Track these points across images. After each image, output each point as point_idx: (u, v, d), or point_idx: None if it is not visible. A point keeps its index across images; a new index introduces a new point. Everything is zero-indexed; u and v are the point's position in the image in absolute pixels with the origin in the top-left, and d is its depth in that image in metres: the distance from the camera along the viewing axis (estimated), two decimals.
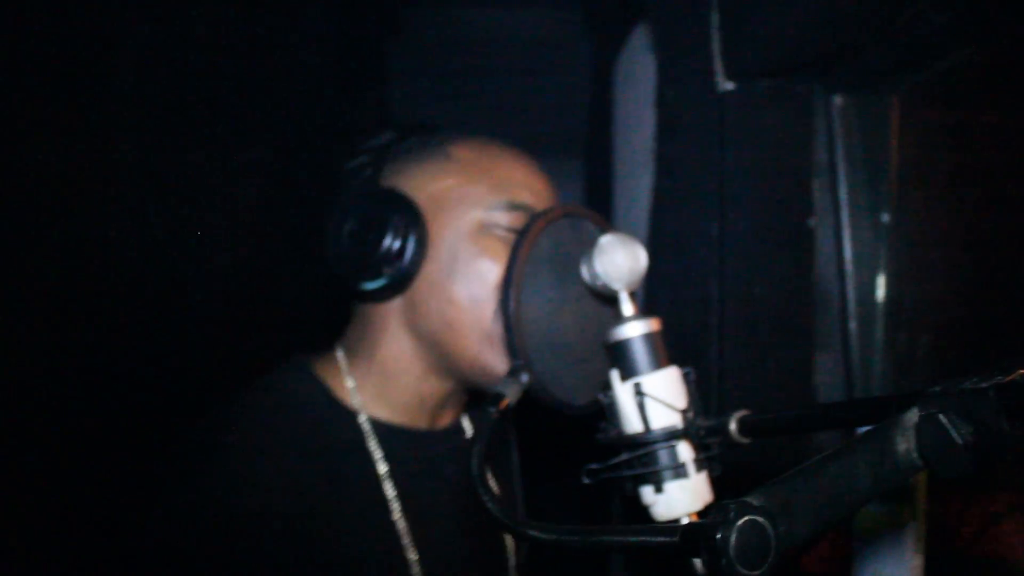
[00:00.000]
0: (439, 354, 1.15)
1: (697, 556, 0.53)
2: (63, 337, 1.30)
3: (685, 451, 0.93)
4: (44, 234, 1.27)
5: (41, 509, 1.25)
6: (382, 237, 1.10)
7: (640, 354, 0.95)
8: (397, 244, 1.10)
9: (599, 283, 0.99)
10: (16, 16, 1.19)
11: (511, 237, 1.12)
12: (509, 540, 1.33)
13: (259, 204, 1.89)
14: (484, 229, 1.13)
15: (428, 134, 1.22)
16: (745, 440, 0.87)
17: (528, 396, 1.06)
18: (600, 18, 2.73)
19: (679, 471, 0.93)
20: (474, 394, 1.24)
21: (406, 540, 1.13)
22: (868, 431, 0.60)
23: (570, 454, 1.18)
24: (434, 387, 1.19)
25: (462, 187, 1.15)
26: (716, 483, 0.96)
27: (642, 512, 0.95)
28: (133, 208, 1.47)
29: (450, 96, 3.09)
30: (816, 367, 1.65)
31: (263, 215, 1.91)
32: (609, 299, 1.04)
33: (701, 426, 0.91)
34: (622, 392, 0.96)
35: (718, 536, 0.51)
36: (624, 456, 0.95)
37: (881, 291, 1.65)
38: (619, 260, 0.98)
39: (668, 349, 0.97)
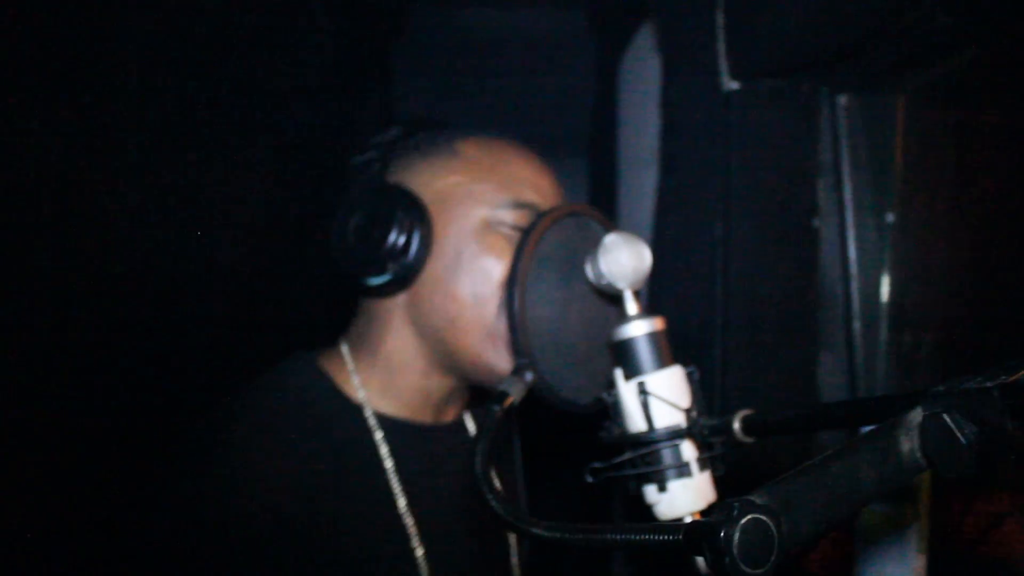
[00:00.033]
0: (441, 351, 1.16)
1: (700, 555, 0.53)
2: (66, 335, 1.31)
3: (689, 450, 0.94)
4: (53, 229, 1.28)
5: (44, 505, 1.26)
6: (387, 233, 1.10)
7: (644, 353, 0.95)
8: (402, 240, 1.11)
9: (603, 282, 0.99)
10: (19, 15, 1.19)
11: (516, 235, 1.12)
12: (512, 537, 1.33)
13: (264, 201, 1.89)
14: (489, 227, 1.14)
15: (436, 130, 1.22)
16: (748, 439, 0.87)
17: (532, 395, 1.07)
18: (605, 17, 2.73)
19: (683, 470, 0.93)
20: (477, 390, 1.24)
21: (412, 533, 1.13)
22: (872, 430, 0.60)
23: (574, 453, 1.18)
24: (437, 383, 1.19)
25: (468, 184, 1.15)
26: (719, 482, 0.96)
27: (645, 511, 0.95)
28: (140, 205, 1.47)
29: (454, 95, 3.09)
30: (820, 366, 1.65)
31: (268, 212, 1.91)
32: (613, 298, 1.04)
33: (705, 425, 0.91)
34: (626, 391, 0.96)
35: (721, 534, 0.51)
36: (628, 455, 0.95)
37: (885, 291, 1.65)
38: (623, 259, 0.98)
39: (672, 348, 0.98)
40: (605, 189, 2.58)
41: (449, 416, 1.26)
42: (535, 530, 0.69)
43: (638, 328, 0.96)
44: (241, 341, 1.70)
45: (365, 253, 1.12)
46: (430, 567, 1.13)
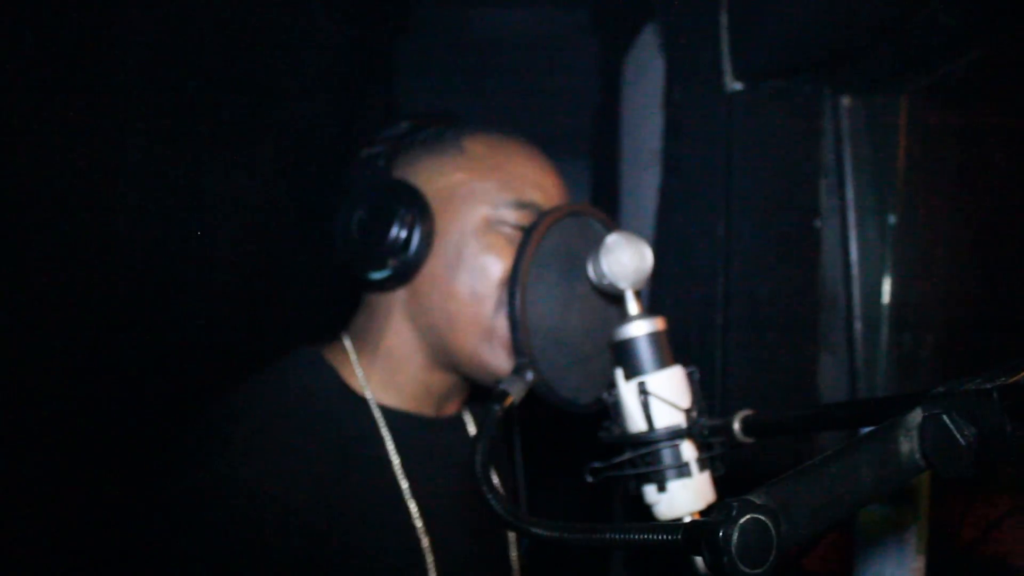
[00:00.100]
0: (439, 347, 1.16)
1: (699, 554, 0.53)
2: (69, 331, 1.31)
3: (688, 450, 0.94)
4: (54, 225, 1.28)
5: (46, 504, 1.26)
6: (388, 228, 1.11)
7: (645, 353, 0.96)
8: (403, 235, 1.11)
9: (605, 282, 1.00)
10: (22, 15, 1.19)
11: (517, 235, 1.12)
12: (511, 535, 1.34)
13: (268, 196, 1.90)
14: (491, 226, 1.14)
15: (444, 126, 1.22)
16: (748, 440, 0.87)
17: (533, 394, 1.07)
18: (608, 18, 2.73)
19: (682, 470, 0.93)
20: (477, 385, 1.25)
21: (418, 524, 1.14)
22: (871, 431, 0.60)
23: (574, 452, 1.18)
24: (437, 378, 1.20)
25: (472, 182, 1.15)
26: (719, 483, 0.96)
27: (645, 511, 0.95)
28: (144, 202, 1.47)
29: (457, 94, 3.09)
30: (821, 367, 1.65)
31: (272, 207, 1.91)
32: (615, 298, 1.04)
33: (705, 425, 0.92)
34: (626, 391, 0.96)
35: (720, 534, 0.51)
36: (627, 455, 0.95)
37: (887, 292, 1.65)
38: (625, 259, 0.98)
39: (673, 348, 0.98)
40: (607, 189, 2.58)
41: (450, 410, 1.26)
42: (534, 529, 0.69)
43: (639, 328, 0.96)
44: (245, 335, 1.71)
45: (367, 247, 1.13)
46: (435, 557, 1.14)
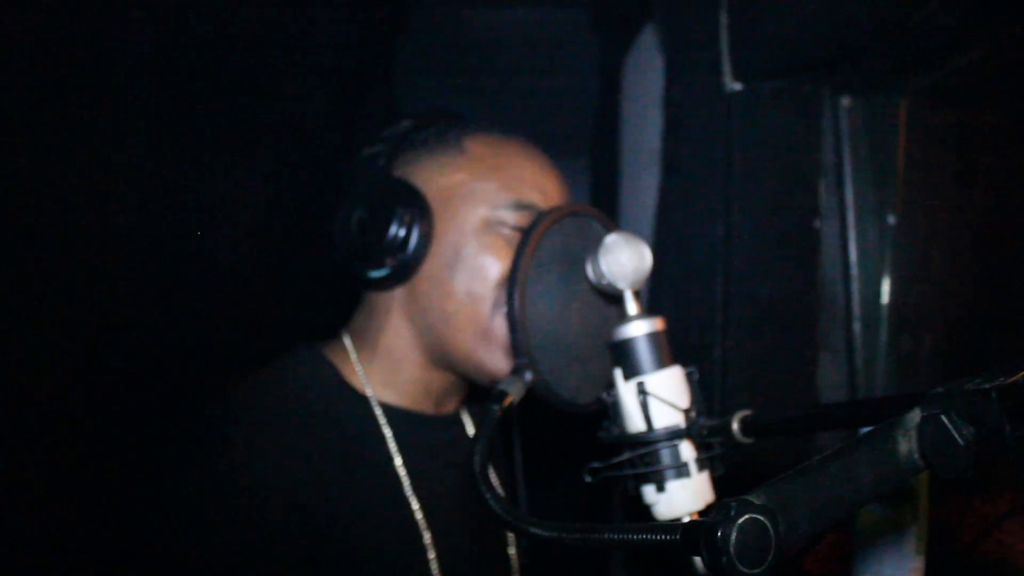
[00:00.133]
0: (436, 347, 1.16)
1: (697, 554, 0.53)
2: (70, 330, 1.31)
3: (687, 451, 0.94)
4: (57, 223, 1.28)
5: (47, 504, 1.26)
6: (387, 226, 1.11)
7: (644, 353, 0.96)
8: (401, 234, 1.11)
9: (604, 282, 0.99)
10: (22, 14, 1.19)
11: (516, 236, 1.12)
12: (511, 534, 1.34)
13: (268, 196, 1.90)
14: (489, 227, 1.14)
15: (446, 125, 1.22)
16: (747, 440, 0.87)
17: (532, 394, 1.07)
18: (608, 17, 2.73)
19: (681, 470, 0.93)
20: (476, 384, 1.25)
21: (420, 520, 1.14)
22: (870, 431, 0.60)
23: (573, 452, 1.18)
24: (435, 376, 1.20)
25: (471, 183, 1.15)
26: (718, 483, 0.96)
27: (644, 511, 0.95)
28: (145, 201, 1.48)
29: (457, 94, 3.09)
30: (820, 368, 1.65)
31: (272, 206, 1.91)
32: (614, 298, 1.04)
33: (704, 426, 0.92)
34: (625, 391, 0.96)
35: (718, 534, 0.51)
36: (626, 455, 0.95)
37: (886, 292, 1.65)
38: (624, 259, 0.98)
39: (672, 348, 0.98)
40: (607, 189, 2.58)
41: (449, 407, 1.27)
42: (533, 529, 0.69)
43: (638, 328, 0.96)
44: (245, 334, 1.71)
45: (366, 246, 1.13)
46: (437, 553, 1.14)
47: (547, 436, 1.47)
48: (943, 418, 0.58)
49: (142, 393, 1.41)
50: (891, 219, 1.64)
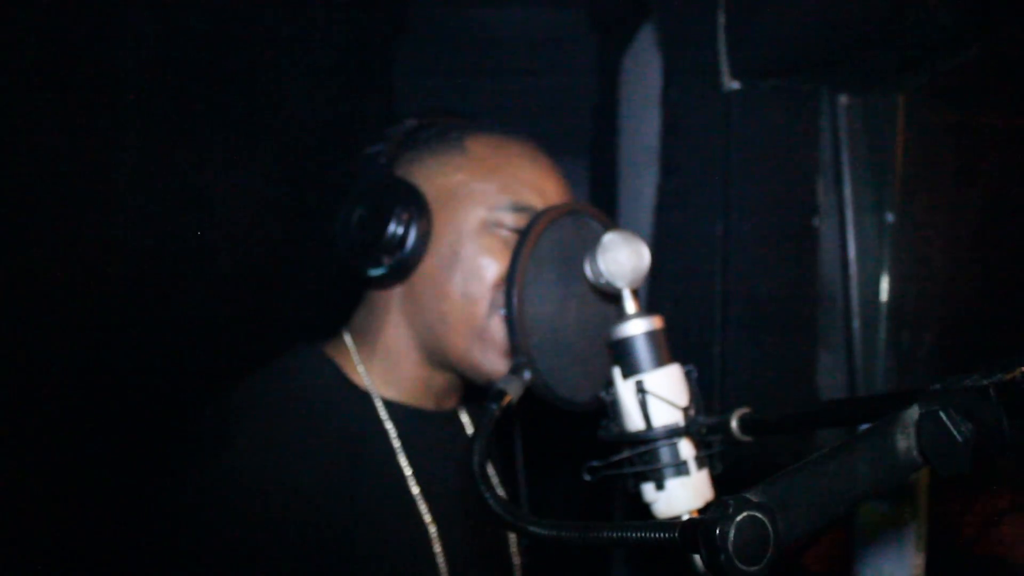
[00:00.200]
0: (433, 346, 1.17)
1: (696, 552, 0.53)
2: (72, 330, 1.31)
3: (686, 449, 0.94)
4: (60, 226, 1.28)
5: (51, 503, 1.26)
6: (385, 225, 1.11)
7: (642, 352, 0.96)
8: (399, 233, 1.11)
9: (602, 280, 1.00)
10: (22, 14, 1.19)
11: (514, 238, 1.13)
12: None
13: (268, 195, 1.90)
14: (487, 228, 1.14)
15: (450, 125, 1.22)
16: (746, 438, 0.87)
17: (531, 393, 1.07)
18: (606, 17, 2.73)
19: (680, 469, 0.93)
20: (474, 383, 1.25)
21: (425, 514, 1.15)
22: (868, 428, 0.60)
23: (573, 451, 1.18)
24: (434, 374, 1.20)
25: (471, 183, 1.16)
26: (717, 481, 0.96)
27: (644, 509, 0.95)
28: (145, 200, 1.48)
29: (455, 94, 3.09)
30: (819, 366, 1.65)
31: (272, 205, 1.92)
32: (612, 297, 1.04)
33: (703, 424, 0.92)
34: (624, 389, 0.96)
35: (717, 532, 0.51)
36: (626, 453, 0.95)
37: (885, 290, 1.65)
38: (622, 258, 0.98)
39: (670, 347, 0.98)
40: (605, 188, 2.58)
41: (450, 404, 1.28)
42: (532, 528, 0.69)
43: (636, 327, 0.96)
44: (246, 333, 1.71)
45: (365, 244, 1.13)
46: (442, 545, 1.15)
47: (547, 434, 1.47)
48: (941, 414, 0.58)
49: (143, 393, 1.41)
50: (890, 217, 1.64)
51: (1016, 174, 1.43)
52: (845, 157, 1.64)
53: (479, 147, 1.19)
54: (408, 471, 1.16)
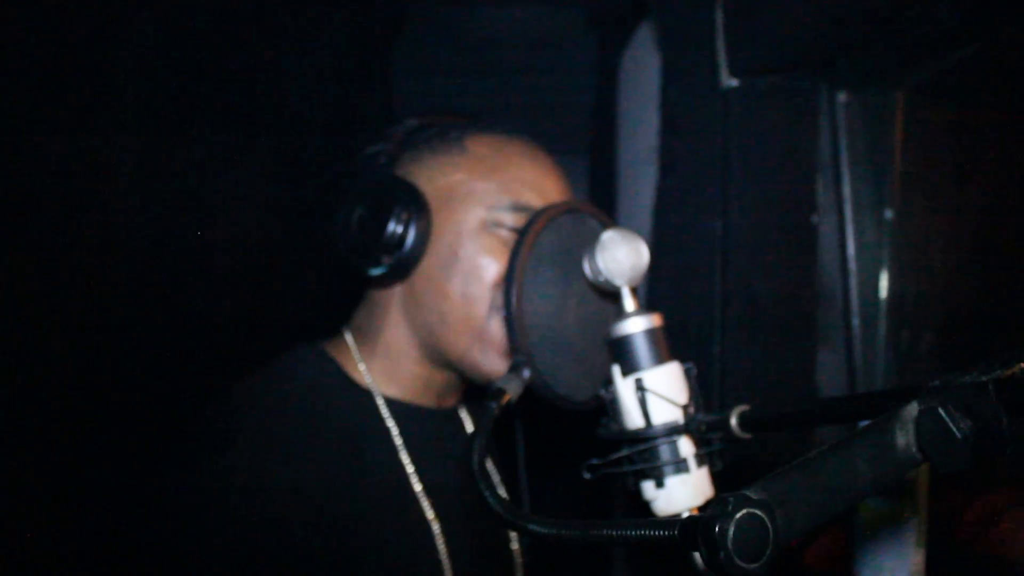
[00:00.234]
0: (432, 345, 1.17)
1: (695, 550, 0.53)
2: (72, 329, 1.31)
3: (686, 446, 0.94)
4: (60, 226, 1.28)
5: (51, 503, 1.26)
6: (385, 225, 1.11)
7: (642, 350, 0.96)
8: (399, 232, 1.11)
9: (601, 279, 1.00)
10: (22, 14, 1.19)
11: (513, 238, 1.12)
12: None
13: (268, 195, 1.90)
14: (487, 227, 1.14)
15: (451, 124, 1.22)
16: (746, 435, 0.87)
17: (531, 392, 1.07)
18: (604, 15, 2.73)
19: (680, 466, 0.93)
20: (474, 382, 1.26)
21: (428, 510, 1.15)
22: (868, 425, 0.60)
23: (573, 449, 1.18)
24: (434, 372, 1.21)
25: (471, 183, 1.16)
26: (717, 478, 0.96)
27: (644, 507, 0.96)
28: (145, 200, 1.48)
29: (454, 93, 3.09)
30: (819, 363, 1.65)
31: (271, 205, 1.92)
32: (611, 295, 1.04)
33: (702, 421, 0.92)
34: (623, 387, 0.96)
35: (716, 529, 0.51)
36: (625, 451, 0.95)
37: (884, 287, 1.65)
38: (621, 256, 0.98)
39: (670, 345, 0.98)
40: (604, 186, 2.58)
41: (450, 402, 1.28)
42: (532, 526, 0.69)
43: (636, 324, 0.96)
44: (247, 332, 1.71)
45: (365, 243, 1.13)
46: (445, 541, 1.15)
47: (548, 432, 1.47)
48: (940, 411, 0.58)
49: (143, 392, 1.42)
50: (889, 214, 1.65)
51: (1015, 171, 1.43)
52: (844, 154, 1.64)
53: (479, 147, 1.19)
54: (410, 468, 1.16)
